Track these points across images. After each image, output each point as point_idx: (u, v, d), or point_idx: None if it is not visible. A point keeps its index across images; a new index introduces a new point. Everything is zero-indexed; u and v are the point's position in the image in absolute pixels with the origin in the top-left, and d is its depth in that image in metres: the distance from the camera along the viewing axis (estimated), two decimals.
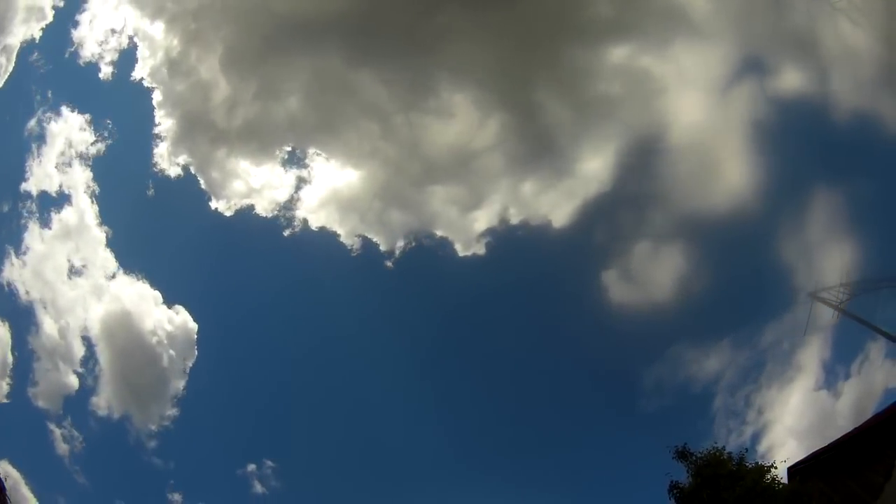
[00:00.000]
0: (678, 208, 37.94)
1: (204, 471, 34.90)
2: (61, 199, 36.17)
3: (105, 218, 36.74)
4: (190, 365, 35.99)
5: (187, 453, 34.34)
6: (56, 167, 36.41)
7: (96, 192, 36.99)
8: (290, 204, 37.77)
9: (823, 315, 34.41)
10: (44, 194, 36.14)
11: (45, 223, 35.93)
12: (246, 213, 37.37)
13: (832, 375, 34.16)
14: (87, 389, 34.25)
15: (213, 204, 37.16)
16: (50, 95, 37.34)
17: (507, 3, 37.45)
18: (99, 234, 36.61)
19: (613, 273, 38.47)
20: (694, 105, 38.79)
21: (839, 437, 21.67)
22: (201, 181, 37.56)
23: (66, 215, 36.25)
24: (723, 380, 35.30)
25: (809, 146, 37.10)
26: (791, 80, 37.01)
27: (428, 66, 37.24)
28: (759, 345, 35.49)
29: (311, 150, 38.63)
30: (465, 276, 37.68)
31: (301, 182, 38.13)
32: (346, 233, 37.61)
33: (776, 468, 19.97)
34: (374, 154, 38.41)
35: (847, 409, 31.59)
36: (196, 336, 36.39)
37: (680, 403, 35.72)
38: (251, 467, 34.05)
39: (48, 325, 34.50)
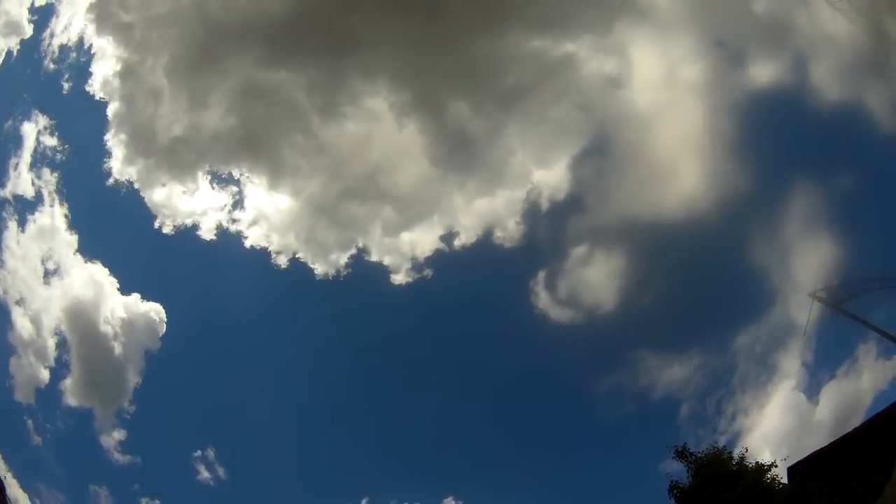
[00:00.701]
0: (630, 212, 36.85)
1: (160, 458, 36.13)
2: (34, 203, 37.37)
3: (73, 220, 37.86)
4: (146, 358, 36.85)
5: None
6: (28, 171, 37.53)
7: (64, 195, 37.85)
8: (224, 222, 37.91)
9: (802, 318, 33.33)
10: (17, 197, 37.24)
11: (21, 224, 37.13)
12: (183, 230, 37.65)
13: (814, 380, 33.29)
14: (56, 382, 35.53)
15: (155, 220, 37.72)
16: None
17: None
18: (69, 237, 37.75)
19: (561, 280, 37.13)
20: (654, 100, 37.58)
21: (839, 437, 21.70)
22: (144, 196, 37.93)
23: (38, 217, 37.48)
24: (692, 386, 34.40)
25: (786, 140, 35.99)
26: (765, 70, 35.94)
27: (349, 70, 36.63)
28: (732, 350, 34.67)
29: (238, 168, 38.59)
30: (403, 296, 36.96)
31: (231, 199, 38.26)
32: (276, 250, 37.38)
33: (776, 468, 20.01)
34: (299, 170, 38.01)
35: (828, 417, 30.86)
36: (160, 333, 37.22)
37: (644, 411, 34.96)
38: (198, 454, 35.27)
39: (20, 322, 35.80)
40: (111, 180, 37.45)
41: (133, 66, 37.30)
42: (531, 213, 36.83)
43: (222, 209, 37.79)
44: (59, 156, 37.97)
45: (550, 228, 37.55)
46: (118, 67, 37.25)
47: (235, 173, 38.42)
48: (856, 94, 34.05)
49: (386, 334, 37.82)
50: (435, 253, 36.84)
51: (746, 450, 20.16)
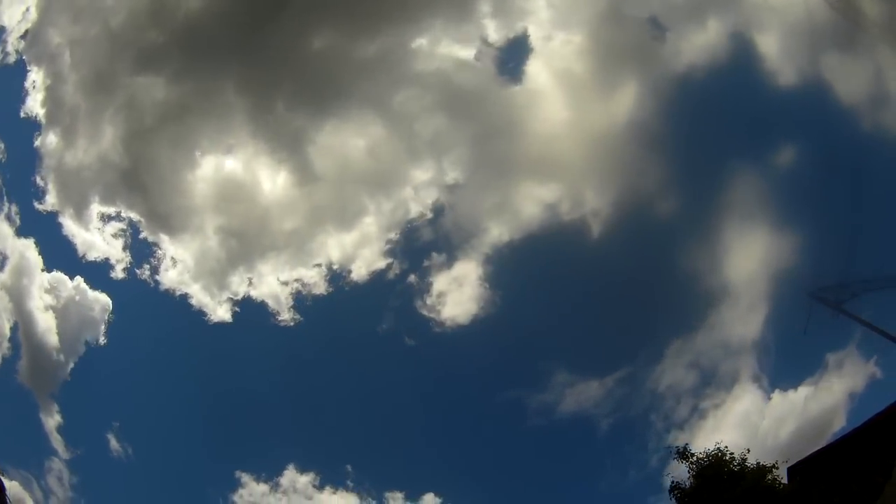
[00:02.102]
0: (521, 219, 34.13)
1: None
2: None
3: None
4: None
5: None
6: None
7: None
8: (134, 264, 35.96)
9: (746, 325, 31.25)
10: None
11: None
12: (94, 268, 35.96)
13: (762, 391, 30.83)
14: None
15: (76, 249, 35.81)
16: None
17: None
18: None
19: (437, 298, 34.42)
20: (543, 83, 34.97)
21: (840, 437, 21.76)
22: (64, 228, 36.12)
23: None
24: (611, 402, 32.18)
25: (727, 123, 32.92)
26: (694, 45, 33.22)
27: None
28: (661, 361, 32.00)
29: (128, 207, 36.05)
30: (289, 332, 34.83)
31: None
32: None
33: (777, 468, 20.08)
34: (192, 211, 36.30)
35: (776, 429, 28.96)
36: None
37: (570, 429, 32.83)
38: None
39: None
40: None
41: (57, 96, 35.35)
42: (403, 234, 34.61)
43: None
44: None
45: (423, 245, 34.91)
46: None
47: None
48: (810, 71, 31.81)
49: (281, 366, 35.67)
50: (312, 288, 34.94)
51: (748, 450, 20.28)
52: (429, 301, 34.03)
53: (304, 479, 32.95)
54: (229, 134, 35.62)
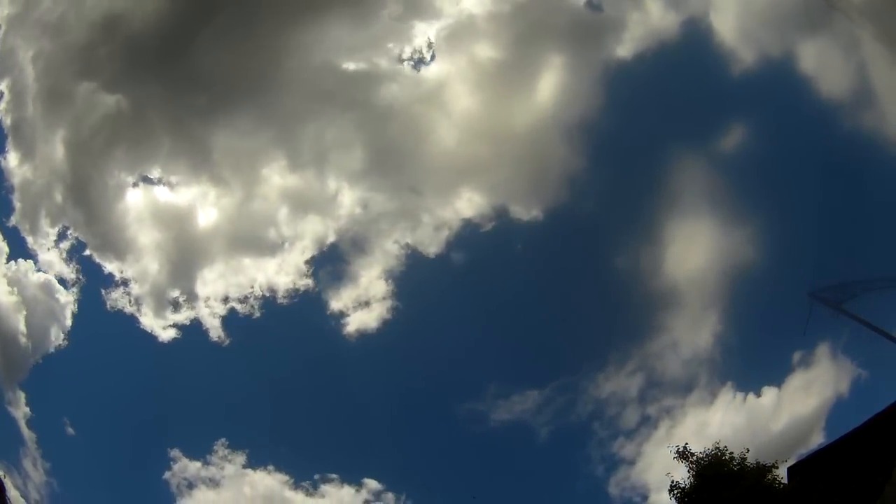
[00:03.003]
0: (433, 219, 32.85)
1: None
2: None
3: None
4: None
5: None
6: None
7: None
8: None
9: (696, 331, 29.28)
10: None
11: None
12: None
13: (730, 393, 29.16)
14: None
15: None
16: None
17: None
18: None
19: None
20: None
21: (839, 437, 21.71)
22: None
23: None
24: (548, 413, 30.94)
25: (669, 110, 30.81)
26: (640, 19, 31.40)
27: None
28: (601, 371, 30.54)
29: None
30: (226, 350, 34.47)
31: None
32: None
33: (777, 468, 20.07)
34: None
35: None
36: None
37: (506, 436, 31.75)
38: None
39: None
40: None
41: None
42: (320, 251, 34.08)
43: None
44: None
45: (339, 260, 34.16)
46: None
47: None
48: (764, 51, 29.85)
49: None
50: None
51: (748, 450, 20.27)
52: (345, 317, 33.37)
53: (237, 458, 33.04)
54: (154, 155, 35.30)
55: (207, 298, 34.25)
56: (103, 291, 34.63)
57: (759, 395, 29.03)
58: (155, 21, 33.59)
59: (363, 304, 33.26)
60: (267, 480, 32.43)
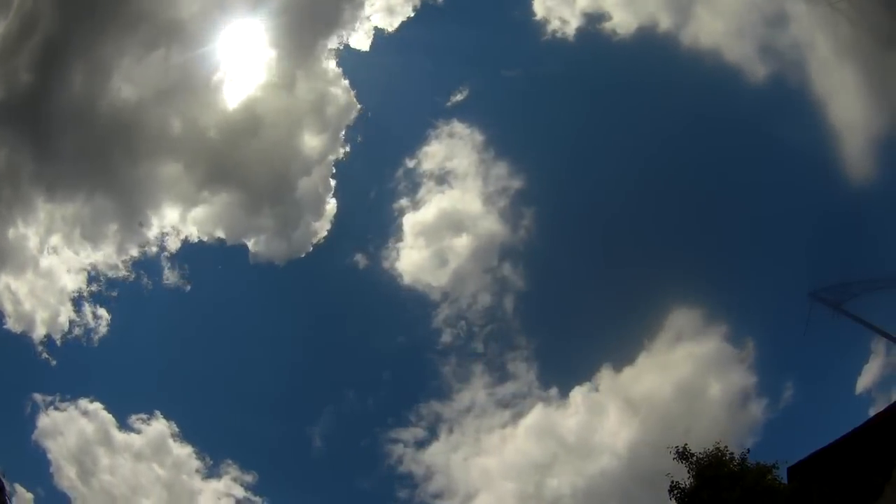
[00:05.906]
0: None
1: None
2: None
3: None
4: None
5: None
6: None
7: None
8: None
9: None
10: None
11: None
12: None
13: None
14: None
15: None
16: None
17: None
18: None
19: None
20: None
21: (840, 437, 21.68)
22: None
23: None
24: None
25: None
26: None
27: None
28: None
29: None
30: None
31: None
32: None
33: (777, 468, 20.04)
34: None
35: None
36: None
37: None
38: None
39: None
40: None
41: None
42: None
43: None
44: None
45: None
46: None
47: None
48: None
49: None
50: None
51: (748, 451, 20.25)
52: None
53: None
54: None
55: None
56: None
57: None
58: None
59: None
60: None
